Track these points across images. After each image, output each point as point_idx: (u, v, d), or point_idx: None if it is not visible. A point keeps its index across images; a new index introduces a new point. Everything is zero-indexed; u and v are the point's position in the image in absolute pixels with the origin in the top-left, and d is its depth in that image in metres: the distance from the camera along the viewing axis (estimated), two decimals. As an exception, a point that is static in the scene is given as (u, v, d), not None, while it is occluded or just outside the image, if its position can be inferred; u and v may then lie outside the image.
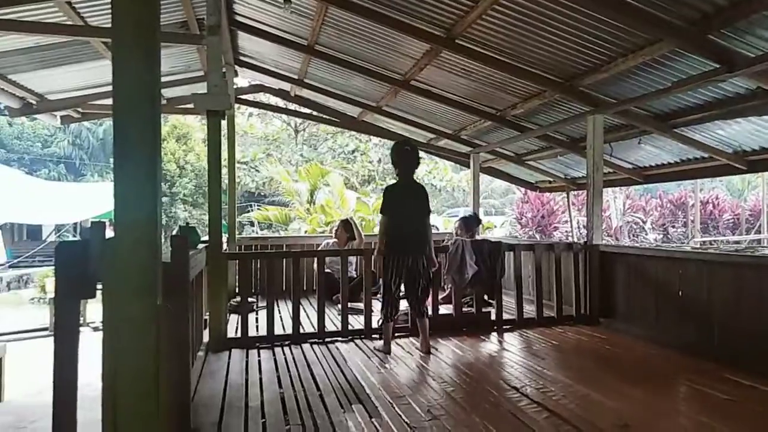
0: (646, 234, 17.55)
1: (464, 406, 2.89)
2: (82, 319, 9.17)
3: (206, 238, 4.36)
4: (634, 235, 17.42)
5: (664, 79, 4.30)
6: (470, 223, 5.81)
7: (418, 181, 4.30)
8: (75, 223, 20.02)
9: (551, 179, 8.52)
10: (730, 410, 2.76)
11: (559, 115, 5.84)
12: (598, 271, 4.94)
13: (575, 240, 9.14)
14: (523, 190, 14.28)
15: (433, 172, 20.97)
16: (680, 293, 4.10)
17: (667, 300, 4.24)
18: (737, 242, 16.24)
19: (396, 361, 3.84)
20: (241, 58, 6.93)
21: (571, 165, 7.55)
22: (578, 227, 13.54)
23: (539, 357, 3.91)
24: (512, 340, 4.49)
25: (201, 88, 4.66)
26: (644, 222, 17.83)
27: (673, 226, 18.10)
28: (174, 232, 4.17)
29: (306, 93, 7.74)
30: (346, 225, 6.74)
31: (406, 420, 2.68)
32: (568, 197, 9.26)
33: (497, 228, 19.73)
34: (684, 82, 4.03)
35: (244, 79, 8.19)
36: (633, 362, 3.77)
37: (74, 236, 20.25)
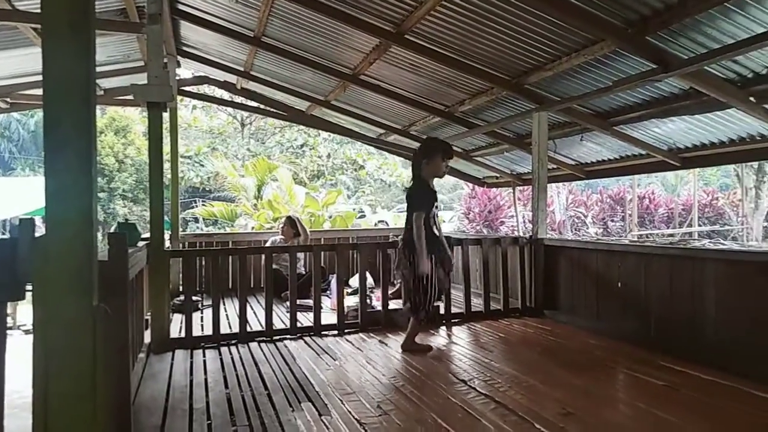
0: (588, 228, 18.25)
1: (414, 401, 2.90)
2: (12, 321, 8.67)
3: (147, 235, 4.20)
4: (576, 229, 18.07)
5: (605, 78, 4.45)
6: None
7: (421, 177, 3.99)
8: (3, 220, 18.89)
9: (498, 175, 8.69)
10: (666, 396, 2.89)
11: (505, 112, 5.95)
12: (542, 265, 5.08)
13: (521, 234, 9.36)
14: (470, 185, 14.52)
15: (383, 167, 21.02)
16: (619, 285, 4.27)
17: (608, 291, 4.40)
18: (671, 235, 17.11)
19: (345, 357, 3.82)
20: (184, 48, 6.69)
21: (517, 161, 7.72)
22: (524, 222, 13.91)
23: (487, 349, 3.98)
24: (461, 333, 4.55)
25: (141, 78, 4.47)
26: (586, 216, 18.53)
27: (612, 220, 18.89)
28: (112, 229, 3.99)
29: (252, 85, 7.57)
30: (291, 222, 6.71)
31: (356, 416, 2.66)
32: (513, 192, 9.47)
33: (446, 223, 20.04)
34: (623, 82, 4.18)
35: (187, 70, 7.94)
36: (576, 352, 3.89)
37: (2, 234, 19.11)
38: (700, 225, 18.25)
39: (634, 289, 4.14)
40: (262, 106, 8.61)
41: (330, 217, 11.08)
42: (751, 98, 4.03)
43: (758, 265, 3.27)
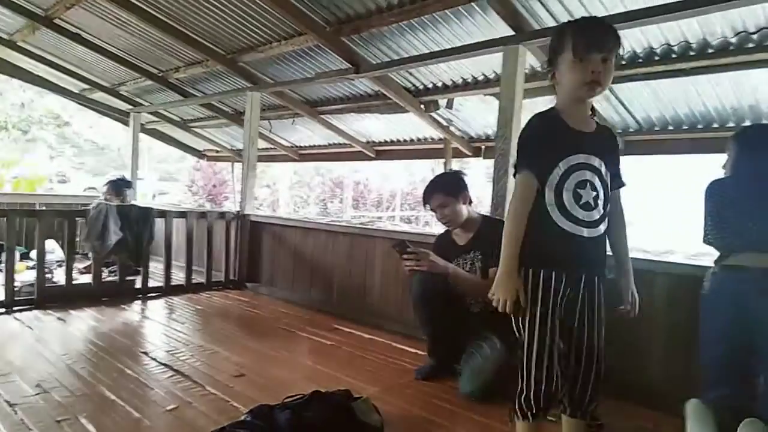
0: (309, 207, 19.47)
1: (84, 377, 2.75)
2: None
3: None
4: (299, 208, 19.09)
5: (311, 68, 4.83)
6: (119, 186, 5.44)
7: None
8: None
9: (218, 149, 8.62)
10: (329, 352, 3.36)
11: (222, 87, 5.96)
12: (247, 239, 5.28)
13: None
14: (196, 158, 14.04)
15: (95, 127, 18.70)
16: (311, 259, 4.73)
17: (301, 264, 4.83)
18: (379, 218, 19.42)
19: (8, 338, 3.39)
20: None
21: (237, 137, 7.78)
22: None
23: (179, 322, 3.98)
24: (156, 307, 4.44)
25: None
26: (308, 197, 19.73)
27: (332, 202, 20.53)
28: None
29: None
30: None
31: (6, 398, 2.41)
32: (233, 168, 9.52)
33: (169, 194, 18.96)
34: (323, 75, 4.61)
35: None
36: (266, 321, 4.17)
37: None
38: (402, 210, 21.14)
39: (323, 262, 4.63)
40: None
41: (14, 178, 9.42)
42: (422, 106, 4.88)
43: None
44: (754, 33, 3.02)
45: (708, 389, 2.10)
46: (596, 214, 1.65)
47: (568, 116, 1.65)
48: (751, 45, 3.09)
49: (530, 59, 3.39)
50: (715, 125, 3.96)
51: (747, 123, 3.79)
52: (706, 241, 2.17)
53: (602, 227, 1.68)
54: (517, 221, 1.62)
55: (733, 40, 3.11)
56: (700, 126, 4.03)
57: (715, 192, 2.15)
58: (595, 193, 1.64)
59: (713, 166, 2.35)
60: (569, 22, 1.72)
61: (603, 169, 1.68)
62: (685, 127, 4.11)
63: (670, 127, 4.18)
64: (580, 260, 1.64)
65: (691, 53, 3.30)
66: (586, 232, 1.63)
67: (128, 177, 6.11)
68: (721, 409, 2.01)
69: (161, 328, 3.81)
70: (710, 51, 3.23)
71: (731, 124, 3.86)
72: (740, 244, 2.01)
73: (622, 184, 1.79)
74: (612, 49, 1.58)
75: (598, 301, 1.69)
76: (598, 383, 1.70)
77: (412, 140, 6.01)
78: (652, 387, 2.60)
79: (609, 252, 1.79)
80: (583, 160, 1.64)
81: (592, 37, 1.58)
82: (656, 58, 3.44)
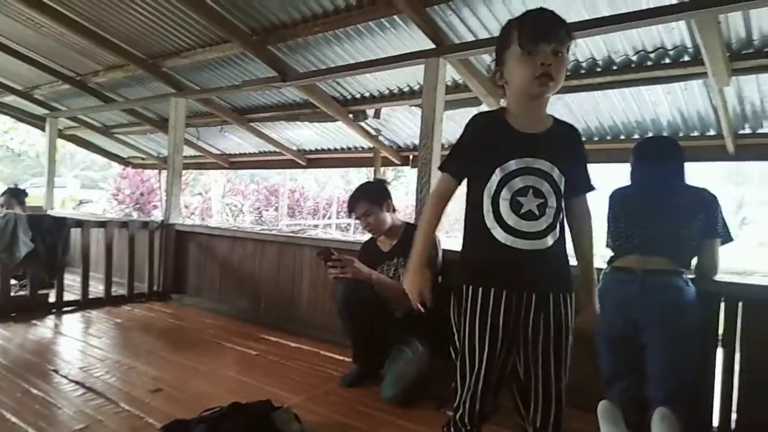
0: (244, 216, 19.07)
1: (-16, 399, 2.59)
2: None
3: None
4: (234, 217, 18.66)
5: (238, 76, 4.77)
6: (17, 194, 5.17)
7: None
8: None
9: (144, 156, 8.32)
10: (254, 362, 3.32)
11: (146, 92, 5.77)
12: (173, 249, 5.12)
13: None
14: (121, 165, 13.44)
15: (11, 132, 17.62)
16: (239, 268, 4.65)
17: (229, 274, 4.74)
18: (315, 226, 19.30)
19: None
20: None
21: (163, 144, 7.55)
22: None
23: (96, 336, 3.81)
24: (71, 322, 4.23)
25: None
26: (242, 205, 19.32)
27: (267, 210, 20.21)
28: None
29: None
30: None
31: None
32: (159, 176, 9.22)
33: (94, 203, 18.05)
34: (250, 83, 4.57)
35: None
36: (190, 333, 4.06)
37: None
38: (338, 218, 21.11)
39: (251, 272, 4.56)
40: None
41: None
42: (351, 116, 4.93)
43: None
44: (651, 52, 3.27)
45: (608, 384, 2.24)
46: (543, 224, 1.46)
47: (515, 117, 1.52)
48: (649, 63, 3.34)
49: (451, 72, 3.51)
50: (623, 137, 4.23)
51: (650, 135, 4.08)
52: (606, 245, 2.33)
53: (552, 238, 1.48)
54: (429, 215, 1.55)
55: (634, 58, 3.35)
56: (609, 138, 4.30)
57: (614, 200, 2.34)
58: (541, 200, 1.46)
59: (623, 175, 2.52)
60: (515, 17, 1.54)
61: (555, 173, 1.49)
62: (596, 139, 4.37)
63: (583, 138, 4.41)
64: (523, 276, 1.44)
65: (598, 69, 3.52)
66: (528, 245, 1.45)
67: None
68: (624, 402, 2.16)
69: (75, 343, 3.63)
70: (614, 68, 3.47)
71: (636, 136, 4.14)
72: (628, 247, 2.19)
73: (588, 188, 1.60)
74: (563, 41, 1.44)
75: (557, 325, 1.47)
76: (559, 423, 1.50)
77: (342, 149, 6.04)
78: (577, 386, 2.72)
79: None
80: (525, 165, 1.47)
81: (540, 27, 1.45)
82: (567, 73, 3.63)
